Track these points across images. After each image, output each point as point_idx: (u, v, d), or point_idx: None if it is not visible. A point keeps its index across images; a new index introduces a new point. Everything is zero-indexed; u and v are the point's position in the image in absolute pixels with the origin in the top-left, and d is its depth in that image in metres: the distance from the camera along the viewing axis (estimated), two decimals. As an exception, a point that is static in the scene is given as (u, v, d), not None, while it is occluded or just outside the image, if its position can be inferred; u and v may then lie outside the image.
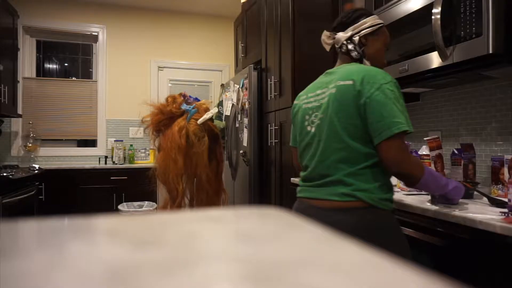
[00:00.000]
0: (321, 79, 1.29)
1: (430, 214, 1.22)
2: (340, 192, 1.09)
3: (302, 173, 1.29)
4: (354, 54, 1.23)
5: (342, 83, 1.13)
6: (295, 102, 1.38)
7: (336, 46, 1.27)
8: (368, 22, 1.24)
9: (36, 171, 3.29)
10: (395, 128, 1.02)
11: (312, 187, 1.20)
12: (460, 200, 1.31)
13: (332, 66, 2.49)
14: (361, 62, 1.25)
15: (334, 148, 1.12)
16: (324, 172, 1.15)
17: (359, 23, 1.24)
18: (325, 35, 1.31)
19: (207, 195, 2.62)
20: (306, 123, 1.25)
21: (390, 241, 1.06)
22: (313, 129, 1.22)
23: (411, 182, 1.10)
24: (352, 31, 1.24)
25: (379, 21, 1.26)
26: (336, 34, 1.27)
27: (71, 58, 4.67)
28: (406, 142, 1.14)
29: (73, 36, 4.34)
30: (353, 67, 1.17)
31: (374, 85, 1.06)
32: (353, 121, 1.09)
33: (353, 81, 1.10)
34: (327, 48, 1.32)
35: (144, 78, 4.47)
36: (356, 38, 1.23)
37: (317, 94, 1.24)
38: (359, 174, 1.08)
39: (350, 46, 1.23)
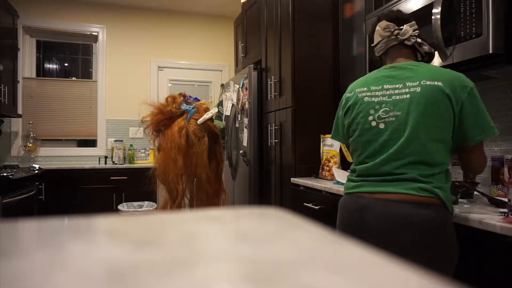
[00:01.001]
0: (385, 73, 1.22)
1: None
2: (417, 187, 1.07)
3: (358, 167, 1.23)
4: (427, 48, 1.21)
5: (429, 83, 1.10)
6: (347, 95, 1.31)
7: (400, 37, 1.21)
8: (416, 25, 1.23)
9: (36, 171, 3.29)
10: (489, 133, 1.09)
11: (378, 182, 1.15)
12: (460, 200, 1.32)
13: (332, 65, 2.45)
14: (430, 58, 1.25)
15: (413, 149, 1.09)
16: (397, 171, 1.11)
17: (413, 22, 1.22)
18: (381, 26, 1.23)
19: (207, 195, 2.62)
20: (371, 118, 1.19)
21: (448, 242, 1.07)
22: (381, 125, 1.16)
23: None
24: (412, 27, 1.21)
25: None
26: (400, 26, 1.21)
27: (71, 58, 4.67)
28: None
29: (73, 36, 4.34)
30: (433, 67, 1.17)
31: (466, 89, 1.08)
32: (440, 123, 1.09)
33: (442, 83, 1.08)
34: (377, 40, 1.26)
35: (144, 78, 4.47)
36: (416, 33, 1.21)
37: (386, 89, 1.18)
38: (435, 175, 1.09)
39: (419, 40, 1.20)
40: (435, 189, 1.07)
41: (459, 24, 1.37)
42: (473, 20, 1.31)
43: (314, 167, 2.28)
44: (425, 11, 1.49)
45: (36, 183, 3.27)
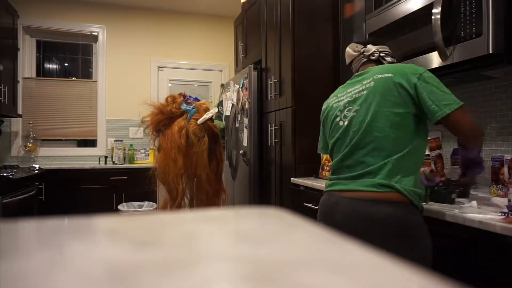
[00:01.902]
0: (349, 81, 1.36)
1: (430, 214, 1.22)
2: (376, 183, 1.12)
3: (331, 164, 1.34)
4: (389, 58, 1.33)
5: (380, 76, 1.20)
6: (323, 107, 1.45)
7: (365, 53, 1.36)
8: (387, 48, 1.39)
9: (36, 171, 3.29)
10: (451, 106, 1.11)
11: (345, 180, 1.23)
12: (458, 199, 1.32)
13: (332, 65, 2.47)
14: None
15: (374, 136, 1.16)
16: (358, 163, 1.19)
17: (380, 46, 1.38)
18: (351, 47, 1.41)
19: (207, 195, 2.62)
20: (338, 118, 1.31)
21: (416, 240, 1.09)
22: (345, 123, 1.27)
23: (480, 141, 1.22)
24: (377, 48, 1.37)
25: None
26: (365, 46, 1.38)
27: (71, 58, 4.66)
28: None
29: (73, 36, 4.34)
30: (385, 65, 1.28)
31: (416, 75, 1.15)
32: (397, 109, 1.15)
33: (393, 74, 1.18)
34: (349, 60, 1.42)
35: (144, 78, 4.47)
36: (383, 55, 1.35)
37: (348, 92, 1.31)
38: (395, 164, 1.12)
39: (382, 54, 1.34)
40: (394, 184, 1.10)
41: (459, 24, 1.37)
42: (473, 20, 1.31)
43: (314, 167, 2.28)
44: (425, 11, 1.49)
45: (36, 183, 3.27)
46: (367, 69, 1.32)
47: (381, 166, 1.13)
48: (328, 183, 1.33)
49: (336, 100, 1.36)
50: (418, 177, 1.18)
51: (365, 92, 1.23)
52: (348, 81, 1.38)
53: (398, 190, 1.10)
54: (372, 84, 1.21)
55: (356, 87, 1.28)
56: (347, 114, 1.27)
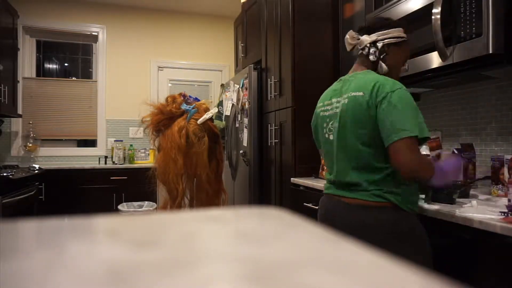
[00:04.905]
0: (335, 86, 1.34)
1: (430, 214, 1.22)
2: (370, 193, 1.15)
3: (327, 175, 1.37)
4: (371, 57, 1.26)
5: (354, 94, 1.19)
6: (315, 109, 1.43)
7: (359, 47, 1.30)
8: (394, 33, 1.26)
9: (36, 171, 3.29)
10: (395, 136, 1.07)
11: (340, 188, 1.26)
12: (458, 200, 1.32)
13: (332, 65, 2.47)
14: (376, 66, 1.28)
15: (352, 156, 1.19)
16: (347, 180, 1.21)
17: (386, 31, 1.26)
18: (350, 35, 1.32)
19: (207, 195, 2.62)
20: (325, 130, 1.33)
21: (411, 243, 1.11)
22: (331, 137, 1.29)
23: (422, 182, 1.18)
24: (377, 36, 1.26)
25: (404, 35, 1.28)
26: (360, 36, 1.29)
27: (71, 58, 4.66)
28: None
29: (73, 36, 4.34)
30: (366, 76, 1.21)
31: (382, 94, 1.12)
32: (365, 129, 1.15)
33: (363, 93, 1.15)
34: (349, 48, 1.35)
35: (144, 78, 4.47)
36: (380, 44, 1.25)
37: (332, 103, 1.30)
38: (383, 180, 1.14)
39: (371, 50, 1.26)
40: (386, 194, 1.13)
41: (459, 24, 1.37)
42: (473, 20, 1.31)
43: (314, 167, 2.28)
44: (425, 11, 1.49)
45: (36, 183, 3.27)
46: (350, 75, 1.29)
47: (368, 184, 1.15)
48: (326, 186, 1.36)
49: (323, 109, 1.36)
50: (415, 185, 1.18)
51: (339, 109, 1.23)
52: (334, 86, 1.35)
53: (389, 200, 1.13)
54: (346, 101, 1.21)
55: (338, 99, 1.27)
56: (331, 128, 1.29)
